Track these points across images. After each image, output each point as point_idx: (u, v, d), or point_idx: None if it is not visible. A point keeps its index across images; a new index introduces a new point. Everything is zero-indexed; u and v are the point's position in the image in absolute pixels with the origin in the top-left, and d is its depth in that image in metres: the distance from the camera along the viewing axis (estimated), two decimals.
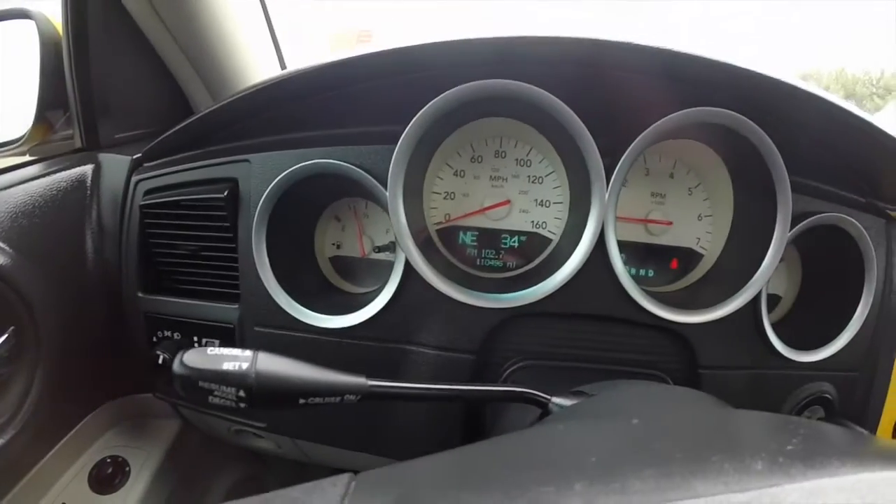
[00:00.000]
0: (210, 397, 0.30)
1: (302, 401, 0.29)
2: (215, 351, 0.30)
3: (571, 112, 0.44)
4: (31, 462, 0.56)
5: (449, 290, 0.46)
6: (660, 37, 0.46)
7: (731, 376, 0.53)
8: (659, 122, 0.45)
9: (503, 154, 0.56)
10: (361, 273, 0.59)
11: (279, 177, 0.48)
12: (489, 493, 0.19)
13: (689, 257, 0.58)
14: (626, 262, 0.57)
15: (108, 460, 0.63)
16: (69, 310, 0.56)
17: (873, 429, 0.59)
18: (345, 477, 0.21)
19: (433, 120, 0.45)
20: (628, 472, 0.20)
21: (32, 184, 0.55)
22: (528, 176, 0.56)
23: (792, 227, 0.51)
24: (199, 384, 0.29)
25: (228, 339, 0.55)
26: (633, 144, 0.46)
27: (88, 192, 0.59)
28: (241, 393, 0.29)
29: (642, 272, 0.58)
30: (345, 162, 0.48)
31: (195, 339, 0.56)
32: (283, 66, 0.77)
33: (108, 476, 0.63)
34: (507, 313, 0.48)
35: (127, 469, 0.64)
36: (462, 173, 0.56)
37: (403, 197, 0.48)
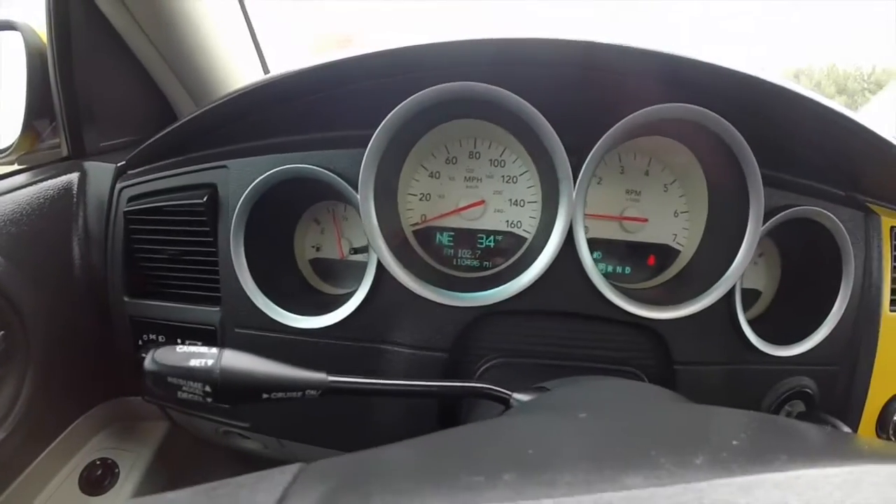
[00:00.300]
0: (179, 392, 0.32)
1: (265, 395, 0.32)
2: (184, 349, 0.33)
3: (536, 112, 0.47)
4: (22, 465, 0.59)
5: (419, 290, 0.48)
6: (627, 35, 0.48)
7: (707, 372, 0.55)
8: (624, 120, 0.48)
9: (477, 155, 0.58)
10: (341, 275, 0.61)
11: (255, 182, 0.51)
12: (422, 482, 0.21)
13: (665, 254, 0.60)
14: (601, 260, 0.60)
15: (98, 462, 0.66)
16: (58, 315, 0.59)
17: (855, 422, 0.61)
18: (294, 466, 0.23)
19: (402, 123, 0.48)
20: (561, 464, 0.20)
21: (20, 192, 0.58)
22: (503, 176, 0.58)
23: (766, 221, 0.53)
24: (168, 380, 0.32)
25: (211, 341, 0.57)
26: (599, 143, 0.48)
27: (75, 199, 0.62)
28: (207, 388, 0.31)
29: (619, 269, 0.60)
30: (318, 166, 0.51)
31: (179, 341, 0.59)
32: (266, 71, 0.80)
33: (97, 478, 0.66)
34: (478, 312, 0.50)
35: (116, 471, 0.67)
36: (437, 175, 0.58)
37: (377, 199, 0.50)
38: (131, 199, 0.61)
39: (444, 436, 0.28)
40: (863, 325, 0.59)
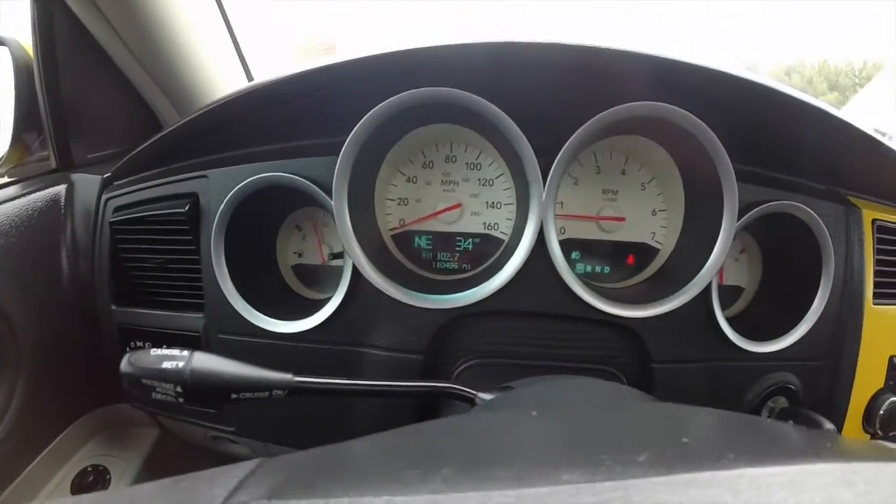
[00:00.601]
0: (153, 393, 0.35)
1: (234, 395, 0.35)
2: (158, 352, 0.36)
3: (503, 114, 0.49)
4: (14, 472, 0.62)
5: (392, 292, 0.50)
6: (599, 35, 0.50)
7: (686, 370, 0.57)
8: (592, 121, 0.50)
9: (454, 158, 0.61)
10: (323, 279, 0.64)
11: (232, 191, 0.54)
12: (365, 475, 0.23)
13: (644, 252, 0.62)
14: (580, 260, 0.62)
15: (90, 469, 0.70)
16: (47, 324, 0.62)
17: (840, 417, 0.62)
18: (255, 461, 0.26)
19: (372, 131, 0.50)
20: (500, 460, 0.21)
21: (9, 205, 0.62)
22: (479, 179, 0.60)
23: (741, 217, 0.55)
24: (143, 381, 0.35)
25: (195, 347, 0.60)
26: (567, 144, 0.50)
27: (62, 211, 0.65)
28: (179, 388, 0.34)
29: (598, 269, 0.62)
30: (294, 174, 0.54)
31: (165, 347, 0.62)
32: (249, 79, 0.84)
33: (89, 484, 0.69)
34: (453, 314, 0.52)
35: (108, 477, 0.70)
36: (414, 179, 0.61)
37: (353, 205, 0.53)
38: (117, 209, 0.64)
39: (401, 433, 0.30)
40: (846, 320, 0.61)
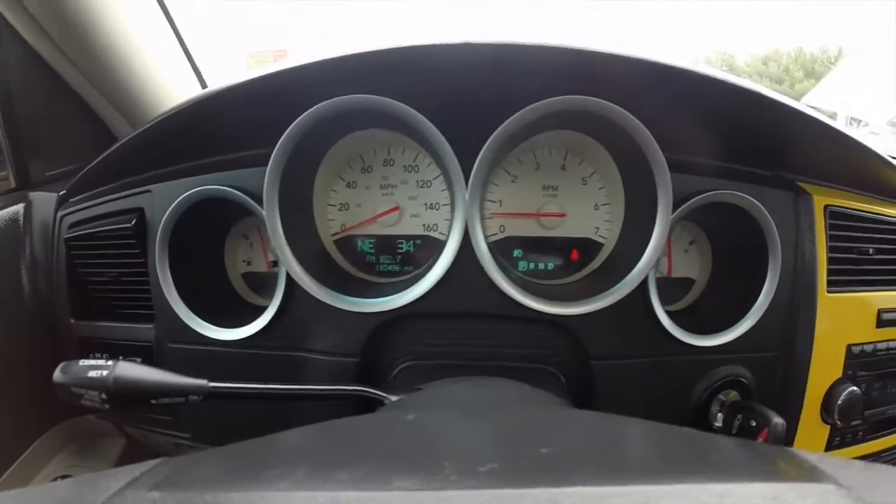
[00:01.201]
0: (82, 400, 0.42)
1: (153, 401, 0.41)
2: (87, 362, 0.42)
3: (421, 117, 0.53)
4: None
5: (323, 296, 0.56)
6: (517, 32, 0.55)
7: (627, 365, 0.61)
8: (508, 122, 0.54)
9: (391, 162, 0.66)
10: (270, 286, 0.69)
11: (171, 206, 0.61)
12: (231, 473, 0.26)
13: (589, 247, 0.66)
14: (522, 258, 0.67)
15: (60, 479, 0.78)
16: (9, 340, 0.70)
17: (797, 409, 0.65)
18: (156, 461, 0.31)
19: (298, 140, 0.56)
20: (352, 462, 0.24)
21: None
22: (417, 181, 0.66)
23: (677, 208, 0.59)
24: (72, 389, 0.41)
25: (149, 357, 0.67)
26: (486, 145, 0.55)
27: (21, 228, 0.73)
28: (103, 395, 0.41)
29: (541, 266, 0.67)
30: (229, 186, 0.60)
31: (120, 358, 0.69)
32: (203, 87, 0.90)
33: None
34: (385, 317, 0.58)
35: None
36: (354, 184, 0.67)
37: (289, 212, 0.58)
38: (71, 225, 0.71)
39: (292, 433, 0.34)
40: (798, 309, 0.64)
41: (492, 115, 0.55)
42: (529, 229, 0.66)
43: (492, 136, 0.54)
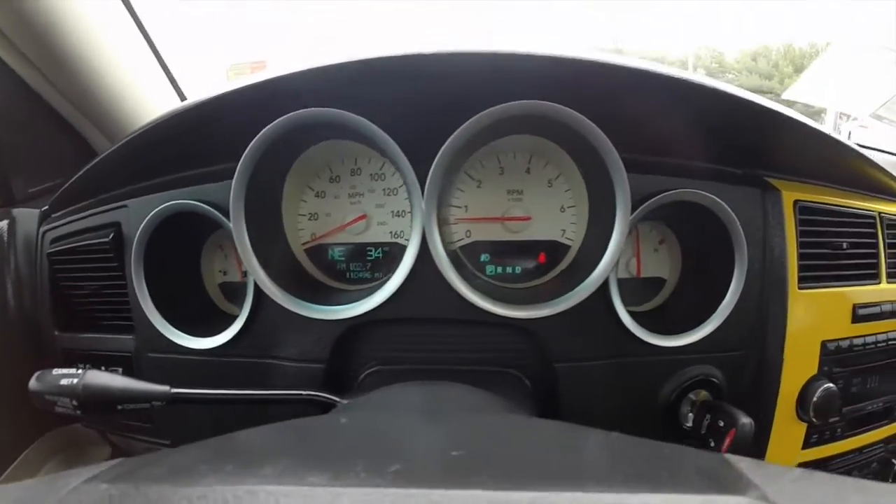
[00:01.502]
0: (56, 407, 0.47)
1: (119, 407, 0.46)
2: (60, 371, 0.47)
3: (377, 129, 0.56)
4: None
5: (288, 304, 0.60)
6: (465, 39, 0.58)
7: (591, 367, 0.63)
8: (461, 129, 0.57)
9: (359, 171, 0.70)
10: (243, 296, 0.74)
11: (145, 220, 0.66)
12: (175, 471, 0.29)
13: (556, 250, 0.69)
14: (490, 262, 0.71)
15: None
16: None
17: (770, 407, 0.68)
18: (116, 461, 0.36)
19: (261, 155, 0.60)
20: (275, 460, 0.27)
21: None
22: (384, 189, 0.70)
23: (637, 209, 0.62)
24: (46, 397, 0.46)
25: (129, 367, 0.73)
26: (439, 153, 0.58)
27: (5, 244, 0.79)
28: (74, 402, 0.46)
29: (508, 269, 0.70)
30: (199, 200, 0.64)
31: (103, 368, 0.75)
32: (182, 100, 0.96)
33: None
34: (349, 323, 0.62)
35: None
36: (323, 194, 0.71)
37: (256, 224, 0.63)
38: (53, 240, 0.77)
39: (243, 433, 0.39)
40: (768, 307, 0.66)
41: (446, 124, 0.58)
42: (495, 234, 0.69)
43: (444, 145, 0.58)
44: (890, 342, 0.75)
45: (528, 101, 0.55)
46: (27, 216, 0.80)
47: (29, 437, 0.82)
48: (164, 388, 0.47)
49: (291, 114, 0.57)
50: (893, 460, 0.80)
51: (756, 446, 0.69)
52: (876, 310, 0.73)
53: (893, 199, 0.79)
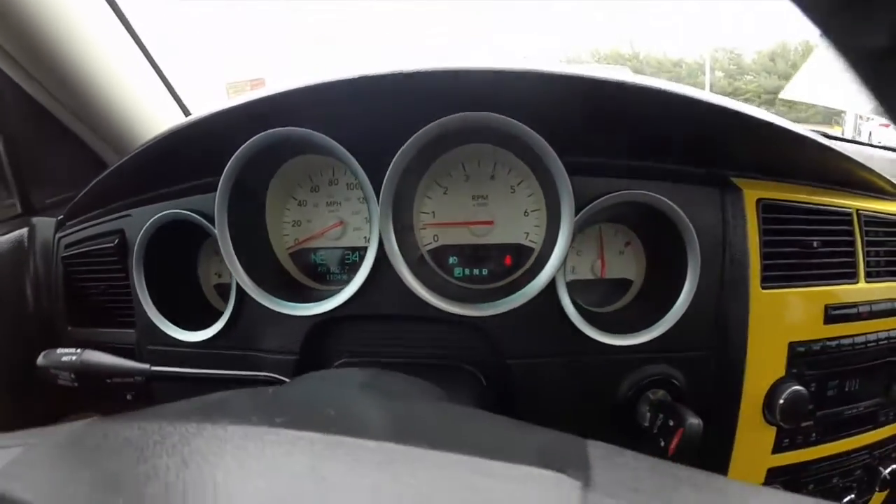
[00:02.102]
0: (58, 380, 0.60)
1: (108, 380, 0.59)
2: (63, 350, 0.61)
3: (337, 144, 0.67)
4: None
5: (263, 300, 0.72)
6: (409, 60, 0.68)
7: (543, 365, 0.72)
8: (407, 144, 0.66)
9: (336, 181, 0.82)
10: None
11: (143, 227, 0.80)
12: (143, 417, 0.44)
13: (520, 252, 0.78)
14: (458, 264, 0.81)
15: None
16: (16, 349, 0.92)
17: (734, 408, 0.73)
18: (90, 419, 0.48)
19: (241, 168, 0.73)
20: (212, 416, 0.39)
21: None
22: (359, 197, 0.81)
23: (580, 211, 0.68)
24: (51, 371, 0.60)
25: (130, 358, 0.87)
26: (390, 167, 0.67)
27: (26, 249, 0.95)
28: (72, 375, 0.59)
29: (475, 272, 0.80)
30: (190, 210, 0.78)
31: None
32: (186, 115, 1.12)
33: None
34: (316, 319, 0.73)
35: None
36: (304, 203, 0.84)
37: (241, 230, 0.76)
38: (67, 246, 0.93)
39: (216, 395, 0.51)
40: (729, 307, 0.71)
41: (401, 137, 0.67)
42: (461, 237, 0.80)
43: (394, 158, 0.67)
44: (870, 344, 0.78)
45: (465, 114, 0.64)
46: (45, 224, 0.96)
47: (46, 423, 0.97)
48: (146, 365, 0.60)
49: (261, 133, 0.69)
50: (881, 468, 0.83)
51: (721, 448, 0.75)
52: (852, 310, 0.76)
53: (874, 196, 0.83)
